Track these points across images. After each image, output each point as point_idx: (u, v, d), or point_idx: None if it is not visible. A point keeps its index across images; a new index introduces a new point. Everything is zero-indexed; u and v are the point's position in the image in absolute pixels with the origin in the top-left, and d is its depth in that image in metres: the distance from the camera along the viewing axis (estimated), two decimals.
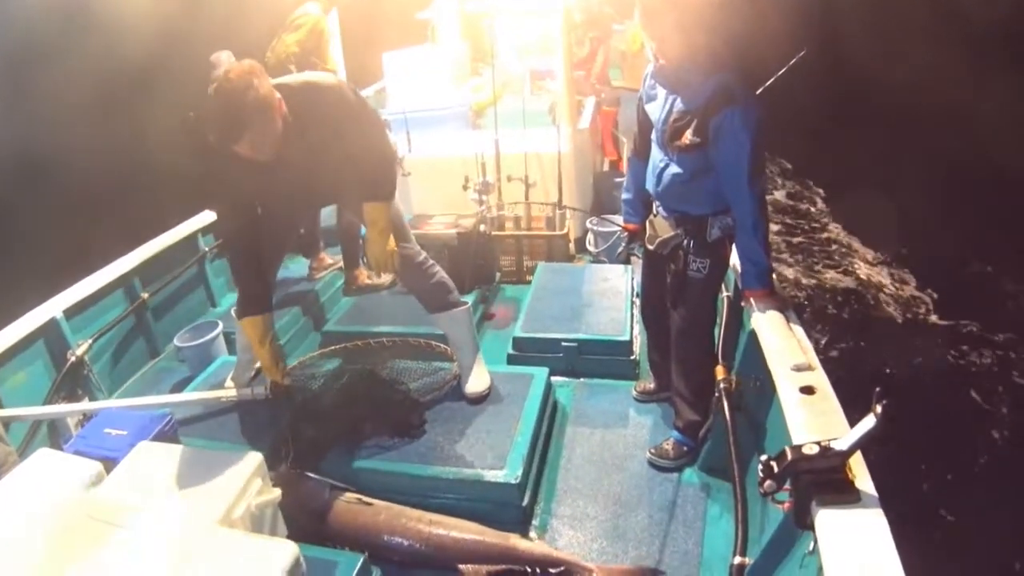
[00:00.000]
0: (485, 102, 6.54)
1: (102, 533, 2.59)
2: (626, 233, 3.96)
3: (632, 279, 4.98)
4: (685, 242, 3.33)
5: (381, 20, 8.13)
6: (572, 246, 5.91)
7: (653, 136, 3.33)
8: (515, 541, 3.04)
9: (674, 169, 3.20)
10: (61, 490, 2.90)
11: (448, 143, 6.14)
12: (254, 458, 2.96)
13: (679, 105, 3.12)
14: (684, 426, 3.61)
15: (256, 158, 2.98)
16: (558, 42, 6.12)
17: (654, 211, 3.48)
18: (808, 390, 2.56)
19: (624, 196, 3.83)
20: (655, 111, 3.26)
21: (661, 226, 3.42)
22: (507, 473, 3.23)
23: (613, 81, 10.09)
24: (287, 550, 2.42)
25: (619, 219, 5.65)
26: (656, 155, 3.31)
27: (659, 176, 3.29)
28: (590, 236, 6.01)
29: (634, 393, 4.09)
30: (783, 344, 2.87)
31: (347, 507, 3.22)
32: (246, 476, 2.88)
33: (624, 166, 7.73)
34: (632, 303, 4.69)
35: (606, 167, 8.04)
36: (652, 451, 3.64)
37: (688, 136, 3.07)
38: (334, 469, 3.42)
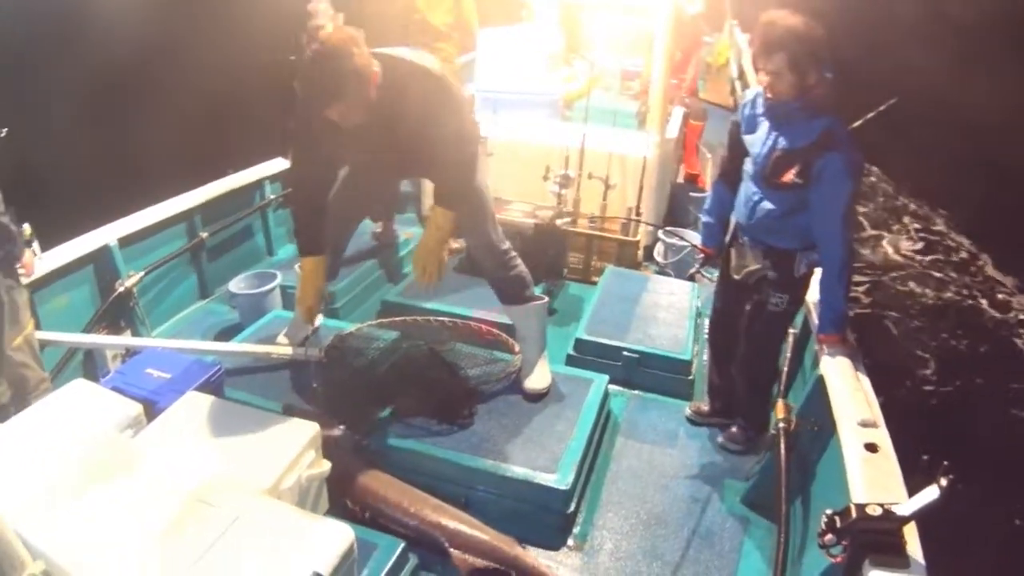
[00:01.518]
0: (575, 93, 6.48)
1: (138, 482, 2.53)
2: (701, 255, 3.92)
3: (696, 298, 4.93)
4: (770, 275, 3.32)
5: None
6: (640, 253, 5.84)
7: (748, 167, 3.30)
8: (517, 549, 3.01)
9: (768, 205, 3.20)
10: (97, 426, 2.86)
11: (535, 130, 6.07)
12: (310, 428, 2.92)
13: (782, 142, 3.10)
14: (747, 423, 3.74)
15: (341, 124, 3.07)
16: (659, 45, 6.01)
17: (740, 239, 3.44)
18: (872, 448, 2.56)
19: (704, 219, 3.79)
20: (755, 144, 3.22)
21: (747, 256, 3.40)
22: (558, 478, 3.20)
23: (700, 94, 9.97)
24: (343, 533, 2.36)
25: (690, 234, 5.65)
26: (750, 187, 3.30)
27: (752, 209, 3.27)
28: (659, 247, 5.95)
29: (687, 412, 4.04)
30: (851, 396, 2.85)
31: (358, 466, 3.22)
32: (300, 446, 2.84)
33: (704, 182, 7.68)
34: (695, 322, 4.63)
35: (681, 179, 7.94)
36: (723, 437, 3.80)
37: (791, 176, 3.07)
38: (376, 441, 3.41)
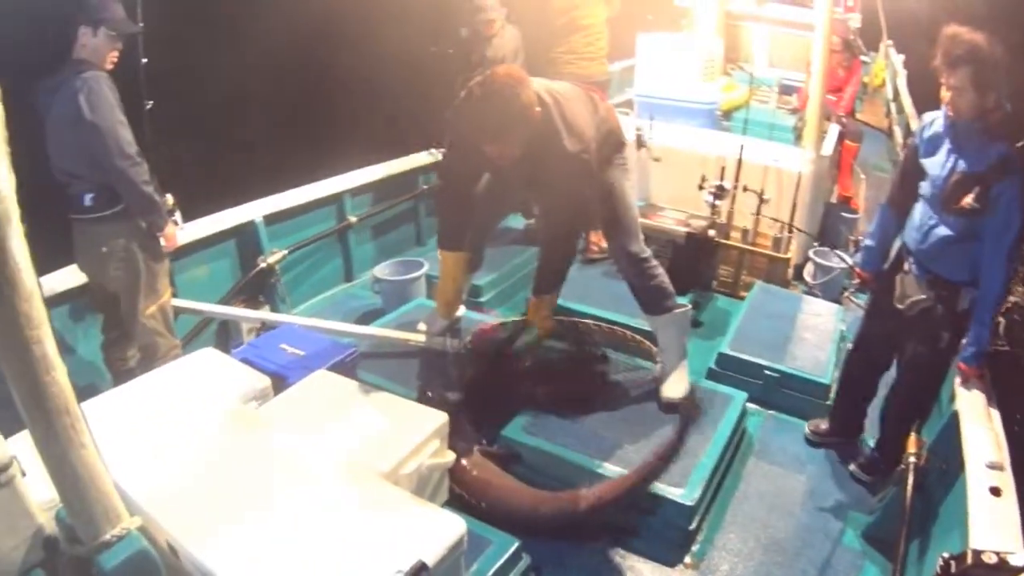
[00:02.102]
0: (734, 104, 6.35)
1: (258, 452, 2.52)
2: (857, 278, 3.79)
3: (841, 321, 4.76)
4: (936, 308, 3.19)
5: (643, 2, 8.03)
6: (791, 271, 5.67)
7: (924, 190, 3.19)
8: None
9: (944, 231, 3.09)
10: (219, 394, 2.88)
11: (692, 138, 5.97)
12: (438, 418, 2.91)
13: (962, 165, 2.99)
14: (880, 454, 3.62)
15: (494, 159, 3.16)
16: (817, 59, 5.82)
17: (906, 267, 3.31)
18: (996, 491, 2.49)
19: (866, 242, 3.66)
20: (934, 167, 3.11)
21: (912, 286, 3.26)
22: (684, 493, 3.13)
23: (857, 114, 9.65)
24: (454, 525, 2.31)
25: (842, 255, 5.45)
26: (925, 212, 3.19)
27: (925, 234, 3.17)
28: (809, 266, 5.77)
29: (806, 431, 3.95)
30: (983, 436, 2.78)
31: (478, 460, 3.22)
32: (426, 434, 2.82)
33: (857, 204, 7.42)
34: (838, 346, 4.47)
35: (834, 199, 7.68)
36: (854, 465, 3.69)
37: (969, 200, 2.96)
38: (504, 439, 3.41)
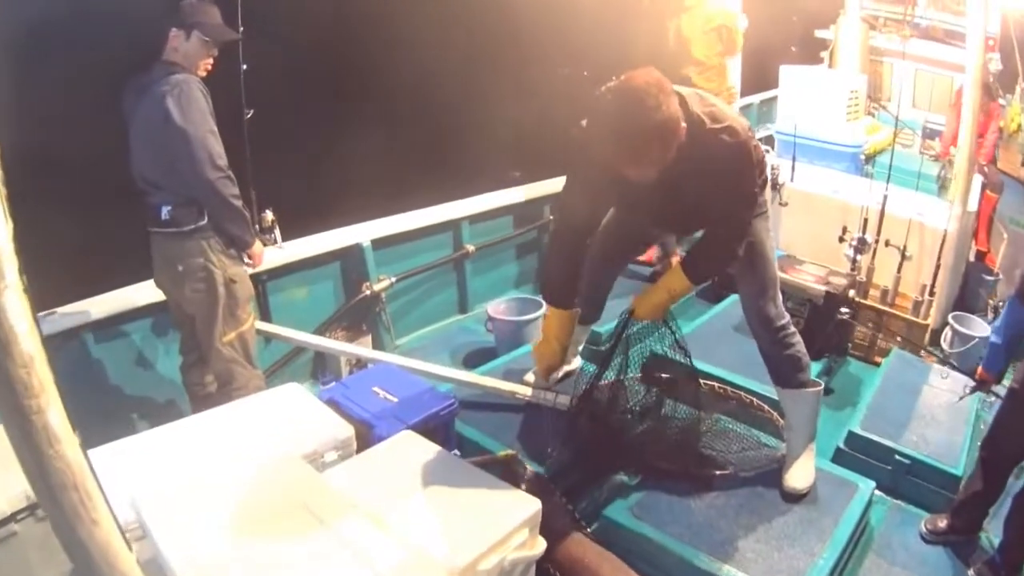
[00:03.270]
0: (878, 146, 5.99)
1: (308, 528, 2.19)
2: (974, 382, 3.43)
3: (979, 399, 4.35)
4: None
5: (781, 26, 7.70)
6: (928, 336, 5.29)
7: None
8: None
9: None
10: (296, 441, 2.66)
11: (835, 183, 5.62)
12: (530, 505, 2.55)
13: None
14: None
15: (632, 179, 2.62)
16: (968, 102, 5.37)
17: None
18: None
19: (993, 339, 3.26)
20: None
21: None
22: None
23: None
24: None
25: (979, 323, 5.07)
26: None
27: None
28: (947, 332, 5.36)
29: (922, 528, 3.52)
30: None
31: (573, 541, 2.84)
32: (513, 525, 2.46)
33: (994, 261, 6.96)
34: (973, 430, 4.07)
35: (972, 256, 7.22)
36: (973, 571, 3.26)
37: None
38: (604, 517, 3.12)
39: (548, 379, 3.49)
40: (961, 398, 3.73)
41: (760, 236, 3.16)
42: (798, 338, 3.34)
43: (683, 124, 2.52)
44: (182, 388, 3.72)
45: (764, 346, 3.35)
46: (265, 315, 4.21)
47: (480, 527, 2.42)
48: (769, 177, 5.10)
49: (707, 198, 2.78)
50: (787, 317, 3.30)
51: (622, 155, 2.52)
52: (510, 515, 2.49)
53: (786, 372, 3.35)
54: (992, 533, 3.48)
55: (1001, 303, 5.78)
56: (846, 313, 4.55)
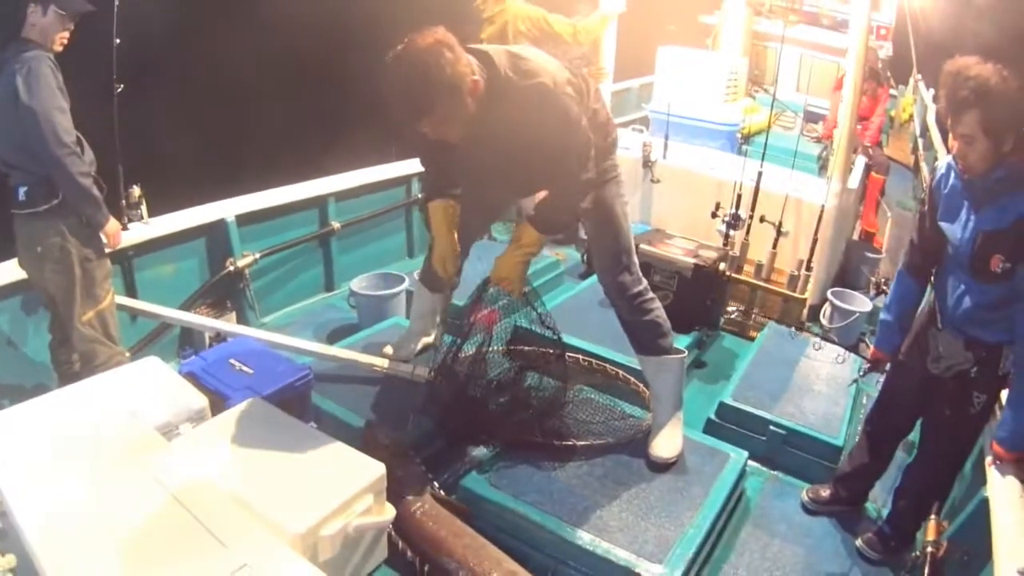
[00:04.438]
0: (755, 128, 5.98)
1: (152, 496, 2.25)
2: (868, 363, 3.34)
3: (859, 372, 4.32)
4: (972, 370, 2.79)
5: (663, 12, 7.70)
6: (806, 311, 5.26)
7: (950, 253, 2.77)
8: None
9: (977, 298, 2.68)
10: (151, 411, 2.71)
11: (709, 161, 5.60)
12: (374, 469, 2.55)
13: (985, 224, 2.57)
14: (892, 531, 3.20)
15: (435, 138, 2.67)
16: (849, 86, 5.42)
17: (938, 326, 2.89)
18: None
19: (883, 316, 3.20)
20: (955, 229, 2.69)
21: (946, 345, 2.86)
22: (664, 572, 2.68)
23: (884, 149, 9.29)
24: None
25: (860, 298, 5.06)
26: (954, 277, 2.78)
27: (957, 301, 2.76)
28: (826, 308, 5.35)
29: (803, 498, 3.48)
30: (1018, 534, 2.34)
31: (428, 511, 2.79)
32: (356, 489, 2.46)
33: (881, 242, 7.02)
34: (854, 402, 4.06)
35: (857, 236, 7.29)
36: (862, 541, 3.23)
37: (997, 262, 2.54)
38: (464, 488, 3.02)
39: (450, 277, 3.31)
40: (854, 381, 3.70)
41: (609, 202, 3.11)
42: (657, 304, 3.29)
43: (475, 79, 2.55)
44: (51, 367, 3.69)
45: (623, 314, 3.30)
46: (131, 291, 4.14)
47: (322, 492, 2.41)
48: (618, 143, 5.03)
49: (526, 152, 2.72)
50: (644, 284, 3.25)
51: (408, 113, 2.54)
52: (353, 480, 2.48)
53: (646, 339, 3.30)
54: (881, 505, 3.47)
55: (884, 280, 5.81)
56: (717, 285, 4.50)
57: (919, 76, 13.78)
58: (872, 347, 3.28)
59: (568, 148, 2.73)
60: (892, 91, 12.01)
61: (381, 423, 3.18)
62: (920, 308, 3.10)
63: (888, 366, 3.21)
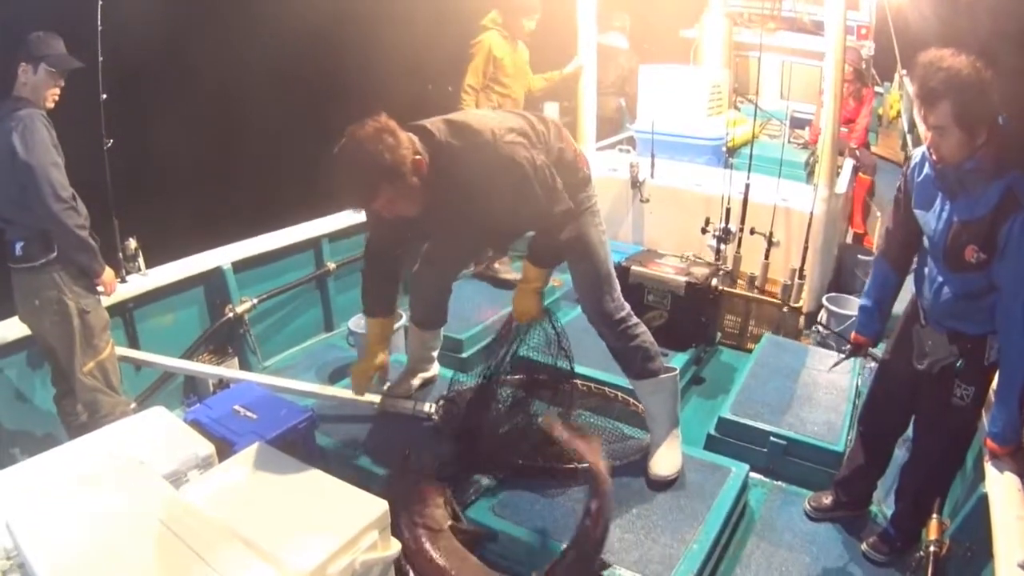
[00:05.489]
0: (741, 140, 6.01)
1: (164, 545, 2.28)
2: (848, 345, 3.38)
3: (858, 376, 4.37)
4: (958, 363, 2.80)
5: (646, 33, 7.77)
6: (802, 320, 5.29)
7: (926, 245, 2.80)
8: None
9: (953, 288, 2.70)
10: (157, 461, 2.74)
11: (696, 177, 5.64)
12: (376, 507, 2.57)
13: (959, 214, 2.59)
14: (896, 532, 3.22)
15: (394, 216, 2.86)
16: (830, 90, 5.47)
17: (921, 320, 2.92)
18: None
19: (863, 302, 3.25)
20: (930, 221, 2.72)
21: (930, 341, 2.88)
22: None
23: (872, 147, 9.33)
24: None
25: (857, 301, 5.08)
26: (931, 268, 2.80)
27: (935, 292, 2.78)
28: (823, 314, 5.38)
29: (806, 506, 3.52)
30: (1017, 529, 2.37)
31: (441, 540, 2.83)
32: (360, 526, 2.48)
33: (872, 243, 7.04)
34: (853, 405, 4.08)
35: (848, 239, 7.31)
36: (867, 545, 3.26)
37: (972, 252, 2.56)
38: (467, 516, 3.05)
39: (363, 392, 3.54)
40: (835, 364, 3.71)
41: (585, 230, 3.19)
42: (642, 329, 3.34)
43: (418, 157, 2.72)
44: (58, 419, 3.74)
45: (609, 342, 3.35)
46: (134, 342, 4.19)
47: (327, 530, 2.43)
48: (629, 175, 5.10)
49: (488, 204, 2.86)
50: (627, 309, 3.31)
51: (355, 202, 2.83)
52: (357, 518, 2.50)
53: (636, 364, 3.33)
54: (884, 506, 3.49)
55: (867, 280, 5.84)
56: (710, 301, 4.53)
57: (904, 72, 13.79)
58: (854, 332, 3.31)
59: (526, 192, 2.83)
60: (878, 88, 12.02)
61: (417, 451, 3.25)
62: (905, 305, 3.12)
63: (873, 364, 3.23)
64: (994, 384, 2.86)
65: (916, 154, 2.80)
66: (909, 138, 11.53)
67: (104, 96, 3.86)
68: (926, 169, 2.72)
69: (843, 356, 3.44)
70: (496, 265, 5.38)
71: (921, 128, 2.75)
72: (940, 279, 2.75)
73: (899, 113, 13.31)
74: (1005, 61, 2.58)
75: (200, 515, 2.42)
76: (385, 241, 3.31)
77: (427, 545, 2.78)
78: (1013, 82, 2.60)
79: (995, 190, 2.48)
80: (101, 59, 3.75)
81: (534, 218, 2.93)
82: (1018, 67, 2.84)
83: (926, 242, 2.79)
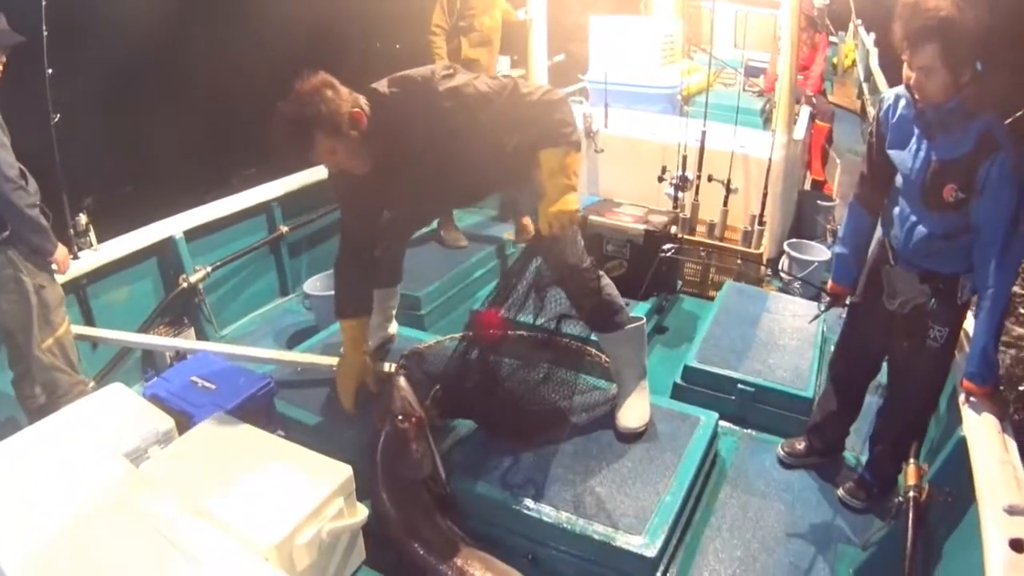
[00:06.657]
0: (696, 88, 5.94)
1: (127, 525, 2.26)
2: (827, 297, 3.30)
3: (823, 322, 4.29)
4: (930, 303, 2.77)
5: None
6: (764, 267, 5.24)
7: (900, 185, 2.77)
8: None
9: (928, 228, 2.68)
10: (119, 438, 2.71)
11: (651, 126, 5.58)
12: (341, 472, 2.55)
13: (939, 153, 2.57)
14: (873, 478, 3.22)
15: (343, 169, 2.91)
16: (785, 36, 5.41)
17: (891, 263, 2.87)
18: (1017, 545, 2.05)
19: (837, 249, 3.21)
20: (906, 159, 2.68)
21: (901, 281, 2.85)
22: (645, 542, 2.65)
23: (828, 96, 9.31)
24: None
25: (817, 247, 5.05)
26: (904, 208, 2.76)
27: (908, 232, 2.75)
28: (784, 260, 5.34)
29: (779, 452, 3.49)
30: (999, 472, 2.32)
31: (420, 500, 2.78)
32: (324, 494, 2.46)
33: (832, 189, 7.02)
34: (820, 351, 4.03)
35: (807, 186, 7.28)
36: (843, 490, 3.26)
37: (951, 191, 2.54)
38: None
39: (352, 405, 3.35)
40: (815, 317, 3.67)
41: None
42: (606, 280, 3.24)
43: (356, 110, 2.74)
44: (17, 403, 3.65)
45: (573, 295, 3.20)
46: (89, 319, 4.11)
47: (292, 500, 2.43)
48: (582, 126, 4.99)
49: (452, 149, 2.83)
50: (590, 261, 3.19)
51: (292, 151, 2.81)
52: (322, 485, 2.49)
53: (601, 317, 3.24)
54: (852, 450, 3.48)
55: (839, 227, 5.81)
56: (669, 249, 4.44)
57: (859, 21, 13.84)
58: (830, 282, 3.25)
59: (491, 113, 2.80)
60: (832, 38, 12.01)
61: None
62: (871, 247, 3.08)
63: (848, 301, 3.18)
64: (967, 325, 2.85)
65: (889, 95, 2.78)
66: (865, 87, 11.56)
67: (50, 71, 3.74)
68: (901, 110, 2.69)
69: (823, 309, 3.40)
70: (442, 233, 5.22)
71: (881, 77, 2.69)
72: (914, 218, 2.71)
73: (854, 62, 13.38)
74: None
75: (163, 494, 2.38)
76: (361, 236, 3.25)
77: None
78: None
79: (974, 130, 2.46)
80: (46, 32, 3.64)
81: (519, 123, 2.85)
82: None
83: (899, 181, 2.76)
